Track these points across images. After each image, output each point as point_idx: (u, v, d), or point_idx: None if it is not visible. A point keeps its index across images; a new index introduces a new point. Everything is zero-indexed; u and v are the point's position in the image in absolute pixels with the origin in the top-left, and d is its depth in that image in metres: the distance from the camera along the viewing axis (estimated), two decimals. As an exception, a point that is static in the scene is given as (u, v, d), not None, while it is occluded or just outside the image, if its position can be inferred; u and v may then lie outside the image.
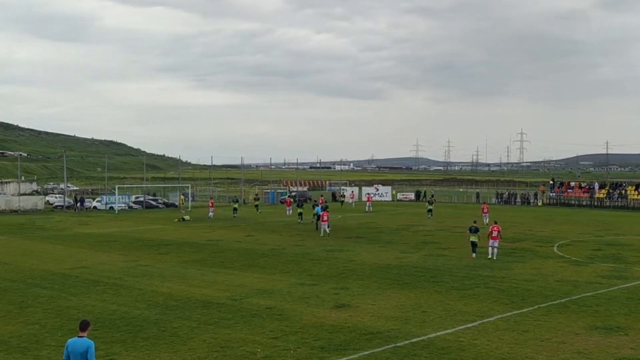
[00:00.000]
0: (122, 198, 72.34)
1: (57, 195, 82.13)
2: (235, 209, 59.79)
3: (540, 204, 78.76)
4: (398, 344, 15.18)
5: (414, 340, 15.54)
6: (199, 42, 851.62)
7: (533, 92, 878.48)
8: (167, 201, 76.86)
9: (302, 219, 50.76)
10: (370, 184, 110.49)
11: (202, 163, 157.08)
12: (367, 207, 67.14)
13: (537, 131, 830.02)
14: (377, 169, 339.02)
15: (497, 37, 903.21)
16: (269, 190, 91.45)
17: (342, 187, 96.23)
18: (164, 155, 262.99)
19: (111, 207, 69.40)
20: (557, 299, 20.32)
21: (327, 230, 41.32)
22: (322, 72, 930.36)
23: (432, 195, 75.28)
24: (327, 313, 18.57)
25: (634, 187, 74.99)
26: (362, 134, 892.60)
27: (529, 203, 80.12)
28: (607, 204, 73.50)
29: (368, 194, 77.43)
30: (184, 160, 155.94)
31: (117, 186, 74.22)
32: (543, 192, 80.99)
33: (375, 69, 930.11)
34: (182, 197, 72.22)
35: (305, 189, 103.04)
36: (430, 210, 57.00)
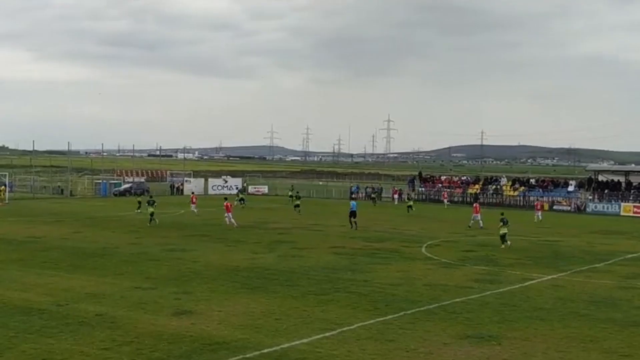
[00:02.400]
0: None
1: None
2: (242, 200, 65.77)
3: (407, 199, 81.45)
4: (247, 355, 15.24)
5: (265, 351, 15.63)
6: (53, 3, 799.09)
7: (418, 74, 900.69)
8: None
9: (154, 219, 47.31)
10: (217, 175, 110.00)
11: (21, 148, 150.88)
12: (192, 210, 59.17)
13: (407, 119, 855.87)
14: (226, 158, 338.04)
15: (410, 8, 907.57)
16: (100, 181, 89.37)
17: (186, 179, 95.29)
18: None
19: None
20: (424, 305, 21.04)
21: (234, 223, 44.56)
22: (192, 44, 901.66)
23: (297, 192, 76.04)
24: (167, 321, 18.43)
25: (510, 183, 79.24)
26: (212, 119, 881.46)
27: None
28: (481, 200, 77.05)
29: (193, 192, 73.41)
30: (0, 144, 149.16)
31: None
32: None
33: (260, 42, 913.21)
34: (3, 187, 69.00)
35: (142, 179, 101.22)
36: (297, 206, 58.94)
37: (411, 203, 64.03)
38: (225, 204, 47.09)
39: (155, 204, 47.94)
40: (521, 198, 75.34)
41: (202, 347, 15.87)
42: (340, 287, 23.68)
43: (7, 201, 64.76)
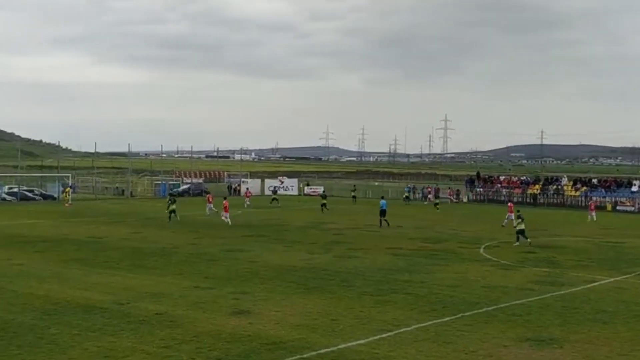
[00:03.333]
0: None
1: None
2: (275, 199, 68.95)
3: (465, 200, 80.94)
4: (304, 355, 15.31)
5: (322, 351, 15.68)
6: (113, 7, 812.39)
7: (476, 73, 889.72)
8: (44, 192, 76.50)
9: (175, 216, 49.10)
10: (274, 175, 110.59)
11: (84, 150, 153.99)
12: (245, 203, 66.42)
13: (464, 119, 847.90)
14: (282, 159, 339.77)
15: (467, 7, 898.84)
16: (159, 182, 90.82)
17: (243, 179, 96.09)
18: (41, 141, 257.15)
19: None
20: (483, 307, 20.87)
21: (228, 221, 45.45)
22: (250, 46, 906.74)
23: (324, 191, 77.25)
24: (225, 320, 18.60)
25: (571, 183, 77.99)
26: (268, 120, 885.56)
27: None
28: (541, 200, 76.14)
29: (247, 188, 77.70)
30: (64, 146, 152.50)
31: None
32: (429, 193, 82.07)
33: (317, 43, 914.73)
34: (68, 189, 70.57)
35: (200, 180, 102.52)
36: (324, 205, 60.67)
37: (438, 201, 68.95)
38: (224, 202, 48.99)
39: (176, 201, 50.74)
40: (583, 198, 73.96)
41: (259, 346, 15.99)
42: (397, 288, 23.62)
43: (71, 202, 66.14)
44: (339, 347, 16.07)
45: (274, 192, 77.77)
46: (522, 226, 37.41)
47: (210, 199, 57.71)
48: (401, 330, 17.71)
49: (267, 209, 62.54)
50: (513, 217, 47.32)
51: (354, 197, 78.02)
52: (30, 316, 18.82)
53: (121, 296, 21.64)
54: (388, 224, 46.34)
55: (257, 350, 15.67)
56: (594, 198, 70.61)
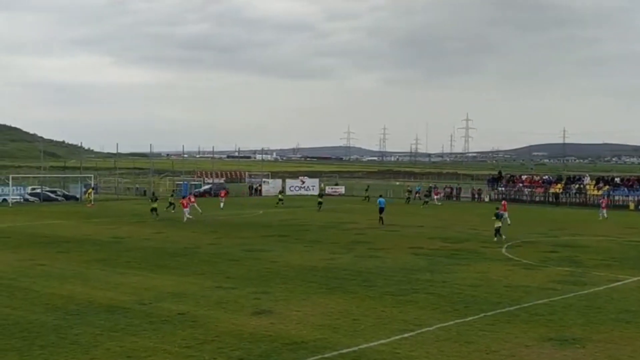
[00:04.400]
0: (17, 189, 73.04)
1: None
2: (281, 200, 70.10)
3: (487, 199, 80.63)
4: (325, 355, 15.37)
5: (344, 351, 15.72)
6: (133, 9, 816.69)
7: (497, 72, 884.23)
8: (67, 193, 77.44)
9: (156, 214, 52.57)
10: (295, 176, 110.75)
11: (106, 151, 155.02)
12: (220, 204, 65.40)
13: (485, 118, 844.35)
14: (303, 159, 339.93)
15: (487, 6, 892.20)
16: (181, 182, 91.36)
17: (264, 180, 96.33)
18: (63, 142, 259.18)
19: (4, 200, 70.01)
20: (505, 306, 20.82)
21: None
22: (270, 46, 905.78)
23: (321, 191, 78.21)
24: (246, 320, 18.70)
25: (594, 182, 77.42)
26: (289, 120, 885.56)
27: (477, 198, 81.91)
28: (564, 200, 75.67)
29: (225, 188, 78.34)
30: (86, 147, 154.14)
31: (10, 176, 74.58)
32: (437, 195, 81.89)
33: (336, 43, 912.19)
34: (90, 190, 71.14)
35: (222, 180, 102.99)
36: (320, 203, 63.56)
37: (427, 200, 72.36)
38: (180, 200, 52.64)
39: (158, 200, 56.15)
40: (605, 197, 73.43)
41: (281, 346, 16.06)
42: (419, 288, 23.61)
43: (93, 203, 66.67)
44: (361, 347, 16.10)
45: (281, 192, 78.33)
46: (499, 224, 38.54)
47: (189, 201, 55.05)
48: (423, 330, 17.72)
49: (289, 208, 62.60)
50: (506, 215, 47.70)
51: (366, 197, 78.34)
52: (53, 316, 19.02)
53: (143, 296, 21.81)
54: (382, 222, 47.74)
55: (279, 350, 15.73)
56: (629, 197, 70.20)
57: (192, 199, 56.12)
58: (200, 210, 54.05)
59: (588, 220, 54.71)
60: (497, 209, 41.39)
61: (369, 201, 74.28)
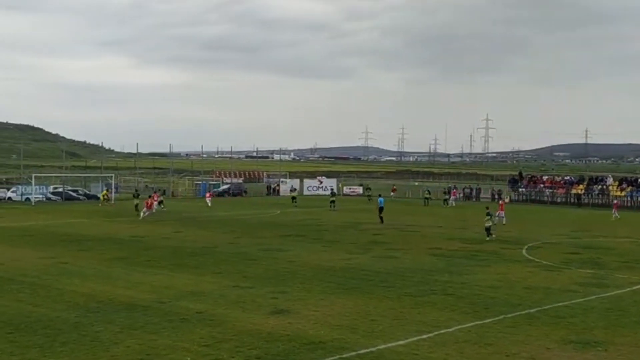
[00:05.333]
0: (40, 188, 74.42)
1: None
2: (294, 198, 71.57)
3: (507, 200, 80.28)
4: (343, 356, 15.33)
5: (362, 351, 15.67)
6: (155, 10, 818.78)
7: (518, 72, 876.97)
8: (88, 192, 78.76)
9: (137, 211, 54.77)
10: (313, 176, 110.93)
11: (126, 150, 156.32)
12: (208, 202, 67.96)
13: (506, 118, 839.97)
14: (321, 159, 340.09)
15: (509, 4, 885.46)
16: (200, 182, 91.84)
17: (282, 180, 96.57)
18: (85, 142, 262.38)
19: (27, 199, 71.29)
20: (525, 308, 20.68)
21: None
22: (287, 46, 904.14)
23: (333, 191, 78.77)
24: (264, 319, 18.75)
25: (617, 183, 76.88)
26: (307, 120, 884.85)
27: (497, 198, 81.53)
28: (586, 201, 75.22)
29: (212, 191, 79.01)
30: (106, 147, 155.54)
31: (33, 175, 75.77)
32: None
33: (355, 42, 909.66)
34: (105, 191, 71.67)
35: (240, 180, 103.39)
36: (333, 202, 65.34)
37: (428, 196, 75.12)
38: (145, 201, 54.31)
39: (140, 196, 59.12)
40: (629, 198, 72.98)
41: (299, 346, 16.06)
42: (437, 289, 23.52)
43: (113, 202, 67.22)
44: (379, 347, 16.05)
45: (292, 190, 79.02)
46: (490, 223, 39.16)
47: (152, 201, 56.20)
48: (441, 332, 17.63)
49: (307, 209, 62.61)
50: (503, 215, 48.03)
51: (368, 196, 78.58)
52: (75, 314, 19.22)
53: (162, 295, 21.97)
54: (382, 221, 48.62)
55: (297, 350, 15.73)
56: (617, 198, 69.79)
57: (156, 198, 57.77)
58: (166, 209, 57.16)
59: (610, 221, 54.37)
60: (487, 208, 41.83)
61: (370, 201, 74.27)
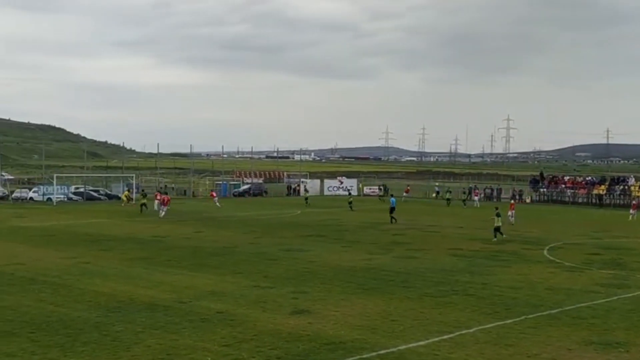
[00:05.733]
0: (61, 188, 74.67)
1: None
2: (306, 199, 71.71)
3: (528, 200, 80.00)
4: (364, 356, 15.36)
5: (382, 352, 15.70)
6: (176, 10, 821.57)
7: (540, 72, 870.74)
8: (109, 192, 79.22)
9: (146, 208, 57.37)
10: (333, 176, 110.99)
11: (147, 151, 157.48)
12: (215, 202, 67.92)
13: (527, 118, 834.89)
14: (341, 159, 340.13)
15: (532, 4, 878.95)
16: (220, 182, 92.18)
17: (302, 180, 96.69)
18: (106, 142, 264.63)
19: (49, 199, 71.62)
20: (547, 309, 20.63)
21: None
22: (309, 46, 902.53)
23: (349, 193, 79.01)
24: (285, 319, 18.80)
25: (639, 184, 76.28)
26: (327, 120, 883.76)
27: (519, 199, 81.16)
28: (607, 201, 74.76)
29: (212, 190, 78.73)
30: (127, 147, 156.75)
31: (55, 175, 76.50)
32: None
33: (377, 42, 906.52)
34: (127, 191, 72.11)
35: (260, 180, 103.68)
36: (306, 199, 70.19)
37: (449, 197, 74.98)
38: (163, 197, 56.06)
39: (147, 195, 61.67)
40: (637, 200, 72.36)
41: (319, 346, 16.10)
42: (458, 290, 23.50)
43: (134, 202, 67.69)
44: (399, 348, 16.07)
45: (306, 190, 79.49)
46: (499, 223, 38.93)
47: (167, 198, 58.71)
48: (462, 332, 17.63)
49: (328, 209, 62.65)
50: (513, 215, 48.10)
51: (380, 196, 79.15)
52: (96, 313, 19.34)
53: (183, 294, 22.06)
54: (396, 220, 48.97)
55: (317, 350, 15.77)
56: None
57: (158, 197, 59.44)
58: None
59: (629, 222, 54.06)
60: (497, 208, 41.43)
61: (383, 201, 74.23)
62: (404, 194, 79.89)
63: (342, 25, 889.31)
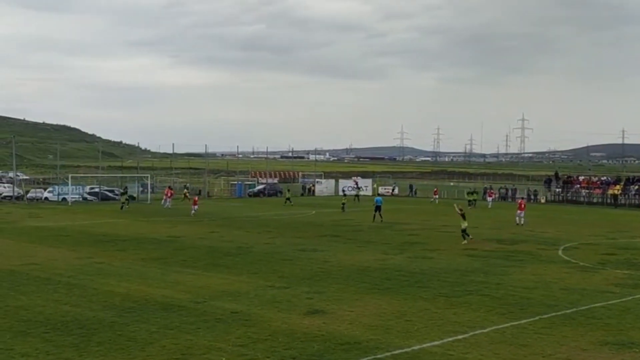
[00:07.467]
0: (76, 188, 75.67)
1: (6, 185, 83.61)
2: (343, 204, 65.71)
3: (543, 200, 79.70)
4: (378, 356, 15.34)
5: (397, 352, 15.68)
6: (190, 10, 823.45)
7: (555, 72, 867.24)
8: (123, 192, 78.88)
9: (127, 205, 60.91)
10: (348, 176, 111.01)
11: (162, 151, 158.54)
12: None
13: (542, 118, 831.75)
14: (356, 159, 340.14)
15: (547, 4, 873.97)
16: (235, 182, 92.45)
17: (317, 180, 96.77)
18: (121, 142, 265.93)
19: (64, 198, 72.53)
20: (561, 309, 20.53)
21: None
22: (324, 46, 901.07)
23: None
24: (300, 319, 18.81)
25: (653, 184, 75.97)
26: (342, 120, 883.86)
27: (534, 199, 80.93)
28: (622, 201, 74.39)
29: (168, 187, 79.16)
30: (142, 147, 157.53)
31: (70, 175, 77.79)
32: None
33: (391, 42, 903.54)
34: (185, 190, 73.12)
35: (275, 180, 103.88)
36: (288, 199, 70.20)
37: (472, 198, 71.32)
38: (194, 198, 58.56)
39: (127, 193, 64.86)
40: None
41: (334, 346, 16.09)
42: (473, 290, 23.44)
43: (149, 202, 68.08)
44: (414, 348, 16.05)
45: (288, 190, 78.13)
46: (464, 225, 37.92)
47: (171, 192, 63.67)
48: (476, 332, 17.58)
49: (340, 209, 62.62)
50: (522, 215, 48.35)
51: (356, 195, 79.15)
52: (111, 313, 19.38)
53: (198, 294, 22.09)
54: (381, 219, 49.58)
55: (332, 350, 15.77)
56: None
57: (168, 194, 63.62)
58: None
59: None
60: (461, 209, 39.70)
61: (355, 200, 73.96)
62: (434, 195, 79.31)
63: (357, 25, 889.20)
